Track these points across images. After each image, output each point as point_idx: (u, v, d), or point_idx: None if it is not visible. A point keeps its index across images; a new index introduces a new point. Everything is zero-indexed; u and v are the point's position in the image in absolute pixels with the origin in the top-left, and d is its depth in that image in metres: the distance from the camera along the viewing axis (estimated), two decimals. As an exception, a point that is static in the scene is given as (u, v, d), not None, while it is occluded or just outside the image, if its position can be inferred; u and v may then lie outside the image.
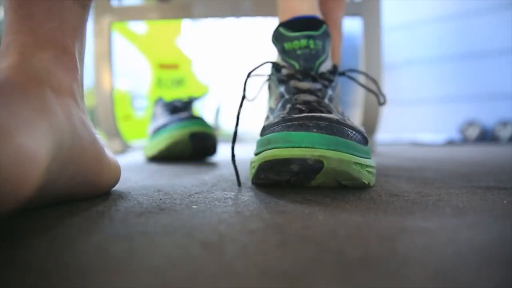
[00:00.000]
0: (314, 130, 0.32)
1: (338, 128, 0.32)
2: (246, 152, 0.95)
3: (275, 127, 0.35)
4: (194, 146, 0.68)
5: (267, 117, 0.44)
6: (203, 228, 0.23)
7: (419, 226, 0.23)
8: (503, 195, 0.33)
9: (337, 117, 0.34)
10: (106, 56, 1.02)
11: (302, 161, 0.31)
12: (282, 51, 0.41)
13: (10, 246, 0.20)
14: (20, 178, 0.20)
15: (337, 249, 0.19)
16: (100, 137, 0.33)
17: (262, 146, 0.35)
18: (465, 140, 1.66)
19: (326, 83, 0.40)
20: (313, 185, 0.35)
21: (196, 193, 0.35)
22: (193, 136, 0.67)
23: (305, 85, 0.39)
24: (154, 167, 0.61)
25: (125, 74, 1.83)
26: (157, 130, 0.73)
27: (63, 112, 0.27)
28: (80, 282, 0.16)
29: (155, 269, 0.17)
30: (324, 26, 0.41)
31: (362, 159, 0.34)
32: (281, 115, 0.36)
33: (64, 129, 0.26)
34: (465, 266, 0.17)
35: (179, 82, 1.86)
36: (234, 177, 0.45)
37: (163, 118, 0.76)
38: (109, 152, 0.34)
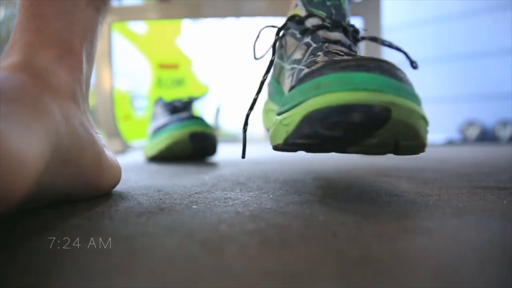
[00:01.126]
0: (378, 72, 0.26)
1: (402, 74, 0.27)
2: (247, 152, 0.94)
3: (322, 70, 0.28)
4: (194, 146, 0.68)
5: (290, 69, 0.37)
6: (203, 228, 0.23)
7: (419, 226, 0.23)
8: (503, 195, 0.33)
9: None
10: (106, 56, 1.02)
11: (367, 107, 0.25)
12: (310, 2, 0.38)
13: (10, 246, 0.20)
14: (10, 182, 0.19)
15: (337, 249, 0.19)
16: (101, 137, 0.33)
17: (304, 94, 0.28)
18: (465, 140, 1.66)
19: (354, 40, 0.37)
20: (359, 149, 0.28)
21: (196, 193, 0.35)
22: (193, 136, 0.67)
23: (336, 35, 0.35)
24: (154, 167, 0.61)
25: (125, 74, 1.83)
26: (157, 130, 0.73)
27: (61, 113, 0.26)
28: (80, 282, 0.16)
29: (155, 269, 0.17)
30: None
31: (425, 115, 0.28)
32: (322, 60, 0.31)
33: (62, 130, 0.26)
34: (465, 266, 0.17)
35: (179, 82, 1.86)
36: (234, 177, 0.45)
37: (163, 118, 0.76)
38: (109, 153, 0.34)
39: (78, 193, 0.30)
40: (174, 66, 1.86)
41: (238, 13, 1.05)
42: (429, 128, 0.29)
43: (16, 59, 0.27)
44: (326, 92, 0.26)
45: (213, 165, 0.64)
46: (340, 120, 0.25)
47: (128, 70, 1.88)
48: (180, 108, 0.79)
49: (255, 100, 0.35)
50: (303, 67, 0.33)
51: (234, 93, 2.20)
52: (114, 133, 1.04)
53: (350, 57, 0.28)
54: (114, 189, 0.36)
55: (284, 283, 0.15)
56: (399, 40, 0.43)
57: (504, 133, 1.61)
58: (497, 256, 0.18)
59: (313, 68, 0.30)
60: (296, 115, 0.28)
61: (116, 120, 1.05)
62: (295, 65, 0.36)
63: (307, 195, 0.33)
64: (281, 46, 0.42)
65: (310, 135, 0.27)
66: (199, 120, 0.69)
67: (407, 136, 0.27)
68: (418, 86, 0.28)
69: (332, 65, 0.28)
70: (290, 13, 0.41)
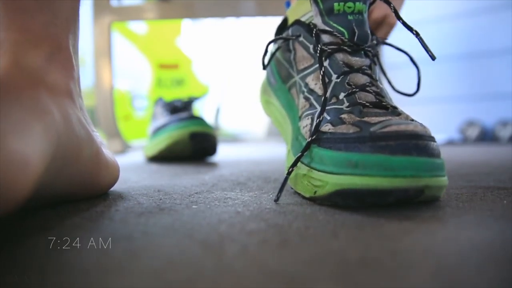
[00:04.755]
0: (414, 154, 0.26)
1: (432, 147, 0.27)
2: (247, 152, 0.95)
3: (359, 145, 0.27)
4: (194, 146, 0.68)
5: (306, 92, 0.35)
6: (203, 228, 0.23)
7: (419, 226, 0.23)
8: (503, 195, 0.33)
9: (421, 126, 0.28)
10: (106, 56, 1.02)
11: (403, 191, 0.26)
12: (329, 12, 0.33)
13: (10, 246, 0.20)
14: (11, 185, 0.19)
15: (337, 249, 0.19)
16: (98, 135, 0.33)
17: (339, 166, 0.28)
18: (465, 140, 1.65)
19: (374, 59, 0.35)
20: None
21: (196, 193, 0.35)
22: (193, 136, 0.67)
23: (357, 61, 0.33)
24: (154, 167, 0.61)
25: (125, 74, 1.83)
26: (157, 130, 0.73)
27: (59, 112, 0.26)
28: (80, 282, 0.16)
29: (155, 269, 0.17)
30: None
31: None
32: (352, 123, 0.29)
33: (61, 129, 0.25)
34: (465, 266, 0.17)
35: (179, 82, 1.86)
36: (234, 177, 0.45)
37: (163, 118, 0.76)
38: (107, 151, 0.34)
39: (77, 191, 0.30)
40: (174, 66, 1.86)
41: (237, 13, 1.05)
42: (430, 128, 0.30)
43: (7, 61, 0.26)
44: (364, 175, 0.26)
45: (213, 165, 0.64)
46: (376, 201, 0.27)
47: (128, 70, 1.88)
48: (180, 108, 0.79)
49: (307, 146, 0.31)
50: (322, 117, 0.31)
51: (234, 93, 2.20)
52: (114, 133, 1.04)
53: (385, 129, 0.27)
54: (114, 189, 0.36)
55: (284, 283, 0.15)
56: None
57: (504, 133, 1.61)
58: (497, 256, 0.18)
59: (344, 132, 0.29)
60: (328, 184, 0.28)
61: (116, 120, 1.05)
62: (310, 96, 0.34)
63: (307, 195, 0.33)
64: (288, 50, 0.39)
65: (341, 204, 0.28)
66: (199, 120, 0.69)
67: (430, 199, 0.29)
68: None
69: (369, 142, 0.27)
70: (296, 15, 0.38)
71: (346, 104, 0.31)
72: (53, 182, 0.26)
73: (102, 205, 0.30)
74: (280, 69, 0.41)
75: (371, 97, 0.32)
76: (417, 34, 0.33)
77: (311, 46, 0.35)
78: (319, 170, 0.29)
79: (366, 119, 0.29)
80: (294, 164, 0.31)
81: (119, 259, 0.18)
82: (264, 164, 0.63)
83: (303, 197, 0.32)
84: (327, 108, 0.32)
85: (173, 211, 0.28)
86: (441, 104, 1.79)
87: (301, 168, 0.31)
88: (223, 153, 0.86)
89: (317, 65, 0.34)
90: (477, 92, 1.74)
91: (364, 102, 0.31)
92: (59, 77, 0.28)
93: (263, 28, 1.98)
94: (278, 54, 0.42)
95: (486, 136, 1.67)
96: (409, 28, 0.33)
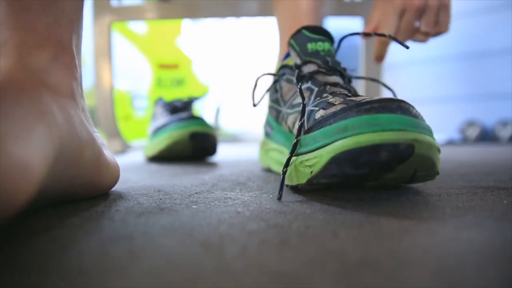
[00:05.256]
0: (399, 112, 0.28)
1: (417, 112, 0.30)
2: (247, 152, 0.95)
3: (346, 113, 0.30)
4: (194, 146, 0.68)
5: (293, 113, 0.41)
6: (203, 228, 0.23)
7: (419, 226, 0.23)
8: (503, 195, 0.33)
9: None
10: (106, 56, 1.02)
11: (394, 146, 0.27)
12: (304, 52, 0.41)
13: (10, 246, 0.20)
14: (10, 189, 0.18)
15: (337, 249, 0.19)
16: (99, 136, 0.33)
17: (329, 136, 0.30)
18: (465, 140, 1.66)
19: (348, 81, 0.40)
20: (375, 185, 0.32)
21: (196, 193, 0.35)
22: (193, 136, 0.67)
23: (334, 78, 0.38)
24: (154, 167, 0.61)
25: (125, 74, 1.83)
26: (157, 130, 0.73)
27: (62, 114, 0.26)
28: (80, 282, 0.16)
29: (155, 269, 0.17)
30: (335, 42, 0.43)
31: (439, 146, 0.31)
32: (339, 102, 0.32)
33: (63, 131, 0.25)
34: (465, 266, 0.17)
35: (179, 82, 1.86)
36: (234, 177, 0.45)
37: (163, 118, 0.76)
38: (108, 152, 0.34)
39: (78, 192, 0.30)
40: (174, 66, 1.86)
41: (237, 13, 1.05)
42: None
43: (11, 61, 0.26)
44: (354, 134, 0.28)
45: (213, 165, 0.64)
46: (369, 159, 0.28)
47: (128, 70, 1.88)
48: (180, 108, 0.79)
49: (295, 144, 0.34)
50: (315, 108, 0.34)
51: (234, 93, 2.20)
52: (114, 133, 1.04)
53: (369, 99, 0.30)
54: (114, 189, 0.36)
55: (284, 283, 0.15)
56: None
57: (504, 133, 1.61)
58: (497, 256, 0.18)
59: (333, 110, 0.31)
60: (322, 156, 0.29)
61: (116, 120, 1.05)
62: (297, 108, 0.39)
63: (307, 195, 0.33)
64: (275, 91, 0.47)
65: (336, 175, 0.29)
66: (199, 120, 0.69)
67: (424, 167, 0.29)
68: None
69: (355, 108, 0.29)
70: (281, 63, 0.45)
71: (331, 96, 0.35)
72: (55, 185, 0.26)
73: (102, 205, 0.30)
74: (272, 114, 0.49)
75: (342, 90, 0.37)
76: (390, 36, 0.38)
77: (294, 78, 0.41)
78: (312, 150, 0.31)
79: (352, 98, 0.32)
80: (287, 163, 0.33)
81: (119, 259, 0.18)
82: (264, 164, 0.63)
83: (302, 192, 0.32)
84: (316, 102, 0.35)
85: (173, 211, 0.28)
86: (441, 104, 1.79)
87: (297, 160, 0.33)
88: (223, 153, 0.86)
89: (301, 87, 0.40)
90: (477, 92, 1.74)
91: (345, 92, 0.36)
92: (62, 77, 0.28)
93: (263, 28, 1.98)
94: (269, 101, 0.50)
95: (486, 136, 1.67)
96: (382, 35, 0.39)
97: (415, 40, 0.57)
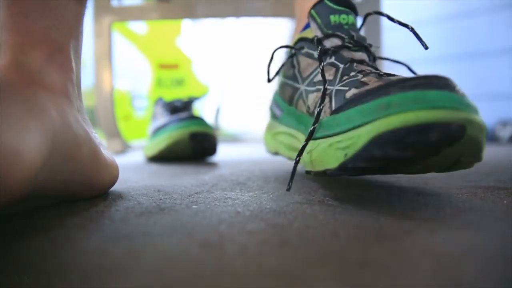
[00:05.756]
0: (448, 90, 0.25)
1: (463, 91, 0.26)
2: (247, 152, 0.95)
3: (387, 89, 0.26)
4: (194, 146, 0.68)
5: (315, 91, 0.37)
6: (203, 228, 0.23)
7: (419, 226, 0.23)
8: (503, 195, 0.33)
9: None
10: (106, 56, 1.02)
11: (445, 126, 0.24)
12: (326, 25, 0.37)
13: (10, 246, 0.20)
14: (6, 175, 0.20)
15: (337, 249, 0.19)
16: (97, 136, 0.33)
17: (369, 114, 0.26)
18: (465, 140, 1.65)
19: (374, 59, 0.37)
20: (417, 169, 0.28)
21: (196, 193, 0.35)
22: (193, 136, 0.67)
23: (360, 55, 0.35)
24: (154, 167, 0.61)
25: (125, 74, 1.83)
26: (157, 130, 0.73)
27: (56, 111, 0.26)
28: (80, 282, 0.16)
29: (155, 269, 0.17)
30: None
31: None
32: (374, 80, 0.29)
33: (57, 126, 0.26)
34: (465, 266, 0.17)
35: (179, 82, 1.86)
36: (234, 177, 0.45)
37: (163, 118, 0.76)
38: (106, 152, 0.34)
39: (76, 190, 0.30)
40: (174, 66, 1.86)
41: (238, 13, 1.05)
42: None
43: (5, 61, 0.27)
44: (400, 112, 0.24)
45: (213, 165, 0.64)
46: (416, 140, 0.24)
47: (128, 70, 1.88)
48: (180, 108, 0.79)
49: (312, 132, 0.32)
50: (344, 88, 0.31)
51: (234, 93, 2.20)
52: (114, 133, 1.04)
53: (413, 76, 0.27)
54: (114, 189, 0.36)
55: (284, 283, 0.15)
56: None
57: (504, 133, 1.61)
58: (497, 257, 0.18)
59: (369, 88, 0.28)
60: (360, 137, 0.26)
61: (116, 120, 1.05)
62: (321, 86, 0.35)
63: (307, 195, 0.33)
64: (291, 66, 0.42)
65: (377, 157, 0.26)
66: (199, 120, 0.69)
67: (471, 151, 0.26)
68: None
69: (399, 84, 0.26)
70: (298, 35, 0.41)
71: (361, 75, 0.32)
72: (52, 180, 0.26)
73: (102, 205, 0.30)
74: (284, 94, 0.45)
75: (373, 69, 0.33)
76: (412, 29, 0.35)
77: (315, 52, 0.38)
78: (346, 131, 0.28)
79: (387, 77, 0.29)
80: (302, 151, 0.31)
81: (119, 259, 0.18)
82: (264, 164, 0.63)
83: (302, 193, 0.32)
84: (345, 82, 0.32)
85: (173, 211, 0.28)
86: (441, 104, 1.79)
87: (323, 143, 0.30)
88: (223, 153, 0.86)
89: (324, 63, 0.36)
90: (477, 92, 1.74)
91: (378, 71, 0.32)
92: (57, 77, 0.29)
93: (263, 28, 1.98)
94: (281, 78, 0.45)
95: (486, 136, 1.67)
96: (405, 25, 0.35)
97: None
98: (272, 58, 0.43)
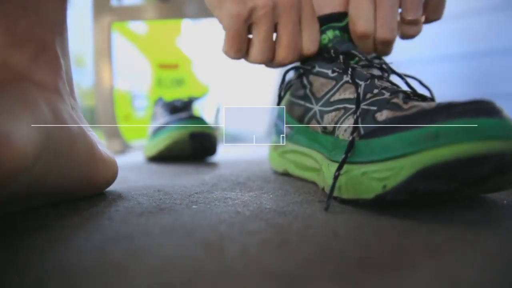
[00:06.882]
0: (497, 116, 0.23)
1: (509, 116, 0.24)
2: (247, 153, 0.95)
3: (429, 116, 0.24)
4: (194, 146, 0.68)
5: (334, 110, 0.35)
6: (203, 228, 0.23)
7: (419, 226, 0.23)
8: (503, 195, 0.33)
9: None
10: (106, 56, 1.02)
11: (499, 158, 0.22)
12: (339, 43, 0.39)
13: (10, 246, 0.20)
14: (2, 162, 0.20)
15: (337, 249, 0.19)
16: (93, 133, 0.33)
17: (412, 145, 0.24)
18: (465, 140, 1.65)
19: (388, 75, 0.37)
20: (454, 197, 0.27)
21: (196, 193, 0.35)
22: (193, 136, 0.67)
23: (375, 71, 0.35)
24: (154, 167, 0.61)
25: (125, 74, 1.83)
26: (157, 130, 0.73)
27: (48, 105, 0.26)
28: (80, 282, 0.16)
29: (155, 269, 0.17)
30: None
31: None
32: (410, 104, 0.27)
33: (50, 121, 0.26)
34: (465, 266, 0.17)
35: (179, 82, 1.86)
36: (234, 177, 0.45)
37: (163, 118, 0.76)
38: (103, 148, 0.34)
39: (74, 187, 0.30)
40: (174, 66, 1.86)
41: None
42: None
43: None
44: (450, 143, 0.23)
45: (213, 165, 0.64)
46: (467, 173, 0.23)
47: (128, 70, 1.88)
48: (180, 108, 0.79)
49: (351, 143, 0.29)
50: (372, 108, 0.29)
51: (234, 93, 2.20)
52: (114, 133, 1.04)
53: (451, 102, 0.25)
54: (114, 189, 0.36)
55: (284, 283, 0.15)
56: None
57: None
58: (497, 257, 0.18)
59: (408, 113, 0.26)
60: (403, 168, 0.24)
61: (116, 120, 1.05)
62: (341, 105, 0.34)
63: (307, 195, 0.33)
64: (302, 86, 0.41)
65: (420, 190, 0.24)
66: (199, 120, 0.69)
67: None
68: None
69: (444, 111, 0.24)
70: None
71: (388, 94, 0.30)
72: (48, 175, 0.26)
73: (102, 205, 0.30)
74: (293, 112, 0.43)
75: (395, 87, 0.32)
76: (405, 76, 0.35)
77: (329, 71, 0.37)
78: (384, 160, 0.26)
79: (416, 97, 0.29)
80: (340, 167, 0.28)
81: (119, 259, 0.18)
82: (264, 164, 0.63)
83: (302, 192, 0.32)
84: (370, 100, 0.30)
85: (173, 211, 0.28)
86: (441, 104, 1.79)
87: (354, 169, 0.28)
88: (223, 153, 0.86)
89: (342, 82, 0.36)
90: (477, 92, 1.74)
91: (405, 90, 0.30)
92: (46, 75, 0.28)
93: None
94: (289, 96, 0.44)
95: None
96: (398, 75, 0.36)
97: (402, 35, 0.44)
98: (284, 79, 0.42)
